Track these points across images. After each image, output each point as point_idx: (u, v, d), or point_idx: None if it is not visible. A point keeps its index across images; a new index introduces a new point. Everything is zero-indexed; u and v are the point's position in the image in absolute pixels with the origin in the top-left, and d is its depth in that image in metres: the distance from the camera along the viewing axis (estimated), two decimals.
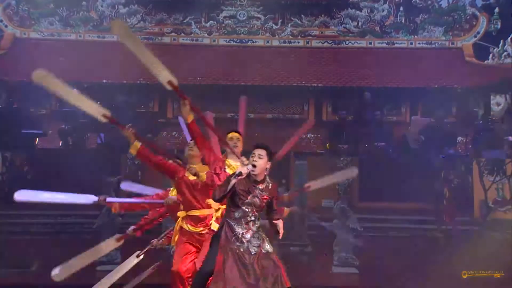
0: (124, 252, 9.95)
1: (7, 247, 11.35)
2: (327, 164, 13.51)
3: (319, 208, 11.41)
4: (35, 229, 12.60)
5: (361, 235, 12.00)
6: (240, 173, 5.35)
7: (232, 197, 5.53)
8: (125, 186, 7.66)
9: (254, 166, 5.41)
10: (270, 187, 5.54)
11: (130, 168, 13.61)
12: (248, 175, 5.46)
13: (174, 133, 14.46)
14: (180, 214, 6.31)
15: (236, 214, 5.54)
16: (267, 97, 15.09)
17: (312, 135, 14.50)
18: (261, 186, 5.50)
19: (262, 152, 5.45)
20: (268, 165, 5.50)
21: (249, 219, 5.54)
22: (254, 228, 5.54)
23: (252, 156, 5.45)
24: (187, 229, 6.18)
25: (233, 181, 5.36)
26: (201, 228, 6.21)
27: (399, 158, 13.51)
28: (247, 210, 5.52)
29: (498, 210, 13.08)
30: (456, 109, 14.88)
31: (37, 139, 13.77)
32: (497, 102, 14.45)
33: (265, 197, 5.52)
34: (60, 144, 14.00)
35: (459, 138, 14.01)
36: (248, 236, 5.54)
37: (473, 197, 13.53)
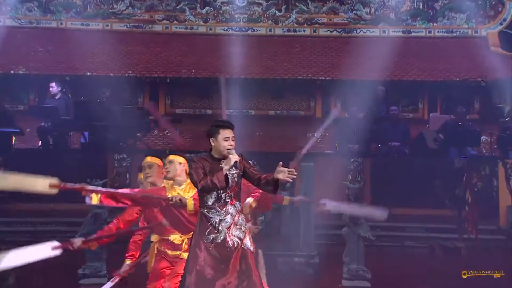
0: (109, 264, 10.07)
1: None
2: (336, 166, 13.71)
3: (327, 214, 11.66)
4: (12, 238, 12.34)
5: (374, 244, 12.01)
6: (236, 162, 5.75)
7: None
8: None
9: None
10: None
11: (118, 170, 13.71)
12: (209, 155, 5.92)
13: (166, 131, 14.78)
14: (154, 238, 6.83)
15: (210, 201, 5.79)
16: (270, 91, 15.58)
17: (319, 134, 14.76)
18: (225, 161, 5.79)
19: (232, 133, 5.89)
20: None
21: (223, 201, 5.81)
22: (233, 211, 5.82)
23: (227, 140, 5.86)
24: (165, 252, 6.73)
25: (234, 172, 5.82)
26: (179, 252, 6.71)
27: (415, 160, 13.71)
28: (219, 192, 5.78)
29: None
30: (479, 105, 15.32)
31: (14, 138, 13.91)
32: None
33: (235, 171, 5.83)
34: (39, 144, 14.17)
35: (483, 137, 14.23)
36: (228, 221, 5.80)
37: (499, 203, 13.62)
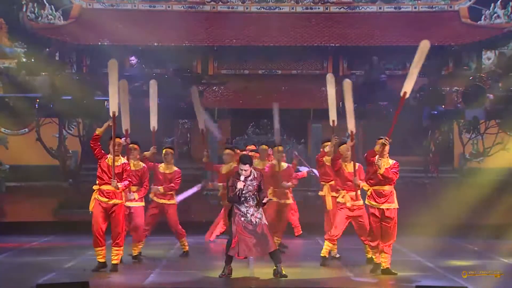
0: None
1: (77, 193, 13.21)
2: (337, 126, 14.36)
3: None
4: None
5: None
6: (241, 189, 7.38)
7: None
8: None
9: (244, 177, 7.42)
10: (256, 176, 7.53)
11: (181, 131, 14.33)
12: (237, 173, 7.53)
13: (215, 87, 15.58)
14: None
15: (240, 199, 7.50)
16: (292, 55, 15.94)
17: None
18: (249, 178, 7.49)
19: (246, 167, 7.42)
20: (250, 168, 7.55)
21: (248, 199, 7.48)
22: (253, 204, 7.49)
23: (241, 170, 7.41)
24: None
25: (255, 183, 7.48)
26: None
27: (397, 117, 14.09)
28: (246, 195, 7.48)
29: (473, 161, 14.27)
30: (452, 64, 15.60)
31: (106, 103, 13.52)
32: (488, 57, 15.34)
33: (255, 183, 7.49)
34: None
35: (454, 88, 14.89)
36: (251, 210, 7.46)
37: (454, 151, 14.54)
